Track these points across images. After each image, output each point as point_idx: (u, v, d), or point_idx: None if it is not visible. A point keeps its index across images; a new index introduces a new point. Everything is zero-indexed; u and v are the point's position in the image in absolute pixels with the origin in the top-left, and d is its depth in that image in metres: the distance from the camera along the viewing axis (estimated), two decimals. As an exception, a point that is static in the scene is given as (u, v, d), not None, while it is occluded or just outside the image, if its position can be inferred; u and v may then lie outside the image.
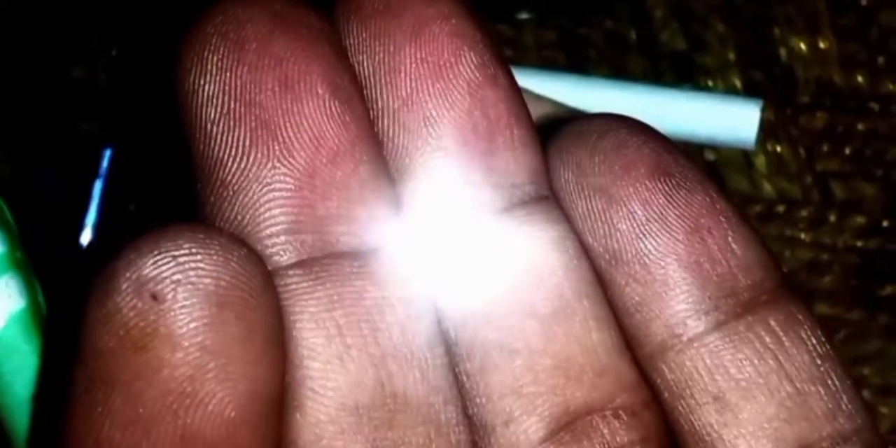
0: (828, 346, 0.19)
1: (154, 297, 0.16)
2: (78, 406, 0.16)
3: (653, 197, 0.19)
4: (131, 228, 0.17)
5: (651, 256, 0.19)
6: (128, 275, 0.16)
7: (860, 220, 0.37)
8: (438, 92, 0.19)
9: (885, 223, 0.37)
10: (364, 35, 0.19)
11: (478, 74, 0.19)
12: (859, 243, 0.37)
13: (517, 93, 0.19)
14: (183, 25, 0.18)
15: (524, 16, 0.37)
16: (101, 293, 0.16)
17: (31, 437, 0.24)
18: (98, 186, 0.35)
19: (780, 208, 0.36)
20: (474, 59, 0.19)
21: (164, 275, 0.16)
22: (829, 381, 0.19)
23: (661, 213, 0.19)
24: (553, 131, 0.20)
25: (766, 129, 0.36)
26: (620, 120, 0.20)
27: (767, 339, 0.19)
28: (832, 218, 0.37)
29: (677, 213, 0.19)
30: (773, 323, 0.19)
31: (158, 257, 0.16)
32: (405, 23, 0.19)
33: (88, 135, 0.36)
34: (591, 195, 0.19)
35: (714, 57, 0.37)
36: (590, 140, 0.19)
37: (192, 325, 0.16)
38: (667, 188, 0.19)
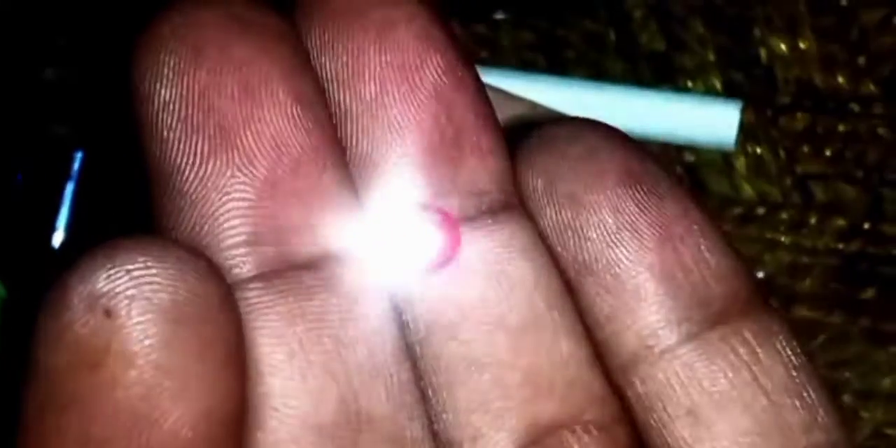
0: (803, 358, 0.19)
1: (107, 312, 0.15)
2: (31, 425, 0.16)
3: (624, 205, 0.18)
4: (96, 236, 0.17)
5: (622, 266, 0.19)
6: (80, 289, 0.16)
7: (841, 222, 0.37)
8: (403, 96, 0.18)
9: (865, 225, 0.37)
10: (326, 37, 0.18)
11: (444, 78, 0.18)
12: (840, 246, 0.36)
13: (485, 97, 0.19)
14: (138, 27, 0.18)
15: (501, 16, 0.37)
16: (53, 308, 0.16)
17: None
18: (69, 189, 0.34)
19: (761, 210, 0.36)
20: (441, 62, 0.18)
21: (117, 290, 0.16)
22: (805, 394, 0.19)
23: (633, 222, 0.18)
24: (521, 136, 0.20)
25: (746, 131, 0.36)
26: (590, 125, 0.19)
27: (741, 351, 0.19)
28: (813, 220, 0.37)
29: (649, 221, 0.18)
30: (747, 334, 0.19)
31: (112, 271, 0.16)
32: (369, 24, 0.18)
33: (60, 137, 0.36)
34: (561, 203, 0.19)
35: (693, 58, 0.37)
36: (559, 146, 0.19)
37: (147, 342, 0.16)
38: (638, 196, 0.18)
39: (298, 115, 0.18)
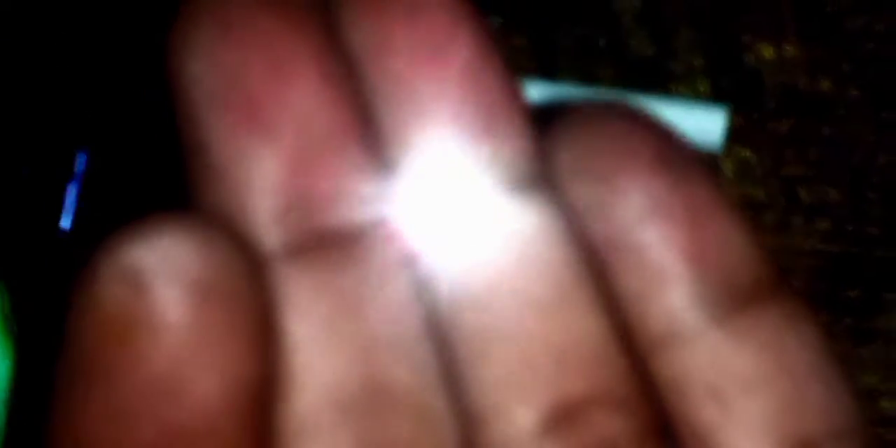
0: (826, 343, 0.19)
1: (136, 286, 0.16)
2: (60, 400, 0.16)
3: (654, 185, 0.18)
4: (101, 235, 0.17)
5: (650, 247, 0.18)
6: (109, 264, 0.16)
7: (825, 224, 0.37)
8: (433, 72, 0.18)
9: (850, 227, 0.37)
10: (355, 13, 0.18)
11: (474, 54, 0.18)
12: (825, 247, 0.37)
13: (513, 75, 0.19)
14: (174, 5, 0.18)
15: (492, 21, 0.37)
16: (83, 284, 0.16)
17: (8, 436, 0.23)
18: (73, 189, 0.35)
19: (746, 213, 0.37)
20: (470, 38, 0.18)
21: (146, 264, 0.16)
22: (828, 378, 0.18)
23: (662, 203, 0.18)
24: (552, 115, 0.19)
25: (733, 135, 0.37)
26: (623, 106, 0.19)
27: (767, 334, 0.18)
28: (798, 222, 0.37)
29: (678, 203, 0.18)
30: (772, 318, 0.18)
31: (141, 246, 0.16)
32: (399, 2, 0.18)
33: (64, 137, 0.36)
34: (591, 182, 0.18)
35: (681, 63, 0.38)
36: (591, 125, 0.19)
37: (175, 315, 0.16)
38: (669, 178, 0.18)
39: (326, 91, 0.17)
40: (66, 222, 0.34)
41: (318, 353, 0.17)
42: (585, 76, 0.37)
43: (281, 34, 0.17)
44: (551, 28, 0.38)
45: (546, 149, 0.19)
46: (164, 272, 0.16)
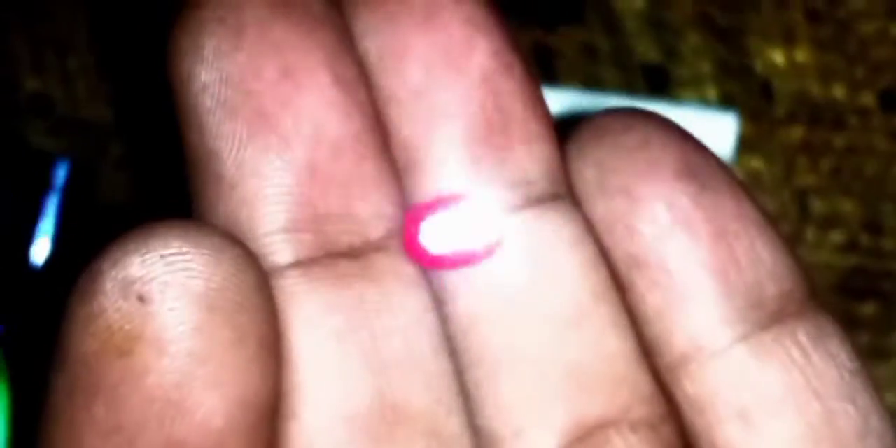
0: (857, 362, 0.18)
1: (140, 298, 0.15)
2: (59, 414, 0.16)
3: (678, 198, 0.18)
4: (84, 250, 0.16)
5: (674, 262, 0.18)
6: (113, 274, 0.15)
7: (839, 236, 0.36)
8: (450, 81, 0.18)
9: (863, 239, 0.36)
10: (370, 19, 0.18)
11: (492, 63, 0.18)
12: (838, 260, 0.36)
13: (534, 83, 0.18)
14: (174, 11, 0.17)
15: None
16: (84, 294, 0.15)
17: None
18: (53, 200, 0.34)
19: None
20: (489, 46, 0.18)
21: (151, 275, 0.15)
22: (859, 399, 0.18)
23: (687, 216, 0.18)
24: (572, 125, 0.19)
25: (743, 143, 0.36)
26: (645, 114, 0.19)
27: (795, 353, 0.18)
28: (810, 234, 0.36)
29: (703, 216, 0.18)
30: (801, 336, 0.18)
31: (146, 256, 0.15)
32: (415, 6, 0.18)
33: (42, 148, 0.36)
34: (613, 194, 0.18)
35: (689, 69, 0.37)
36: (612, 135, 0.18)
37: (181, 328, 0.15)
38: (693, 189, 0.18)
39: (339, 99, 0.17)
40: (47, 235, 0.33)
41: (329, 370, 0.17)
42: (589, 82, 0.37)
43: (293, 40, 0.17)
44: (554, 32, 0.37)
45: (566, 159, 0.19)
46: (169, 283, 0.15)
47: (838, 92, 0.37)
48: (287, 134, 0.17)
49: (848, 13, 0.37)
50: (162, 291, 0.15)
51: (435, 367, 0.18)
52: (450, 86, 0.18)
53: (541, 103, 0.18)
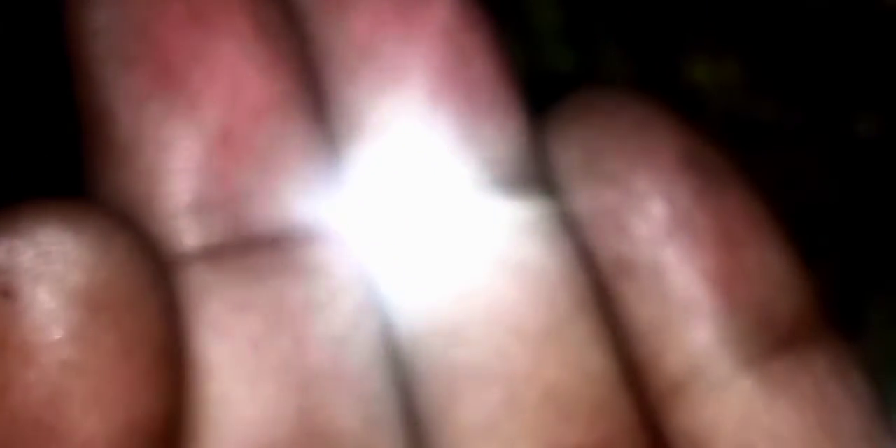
0: (874, 397, 0.17)
1: (5, 293, 0.14)
2: None
3: (678, 193, 0.16)
4: None
5: (671, 269, 0.16)
6: None
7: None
8: (405, 37, 0.16)
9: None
10: None
11: (455, 16, 0.16)
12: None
13: (502, 47, 0.16)
14: None
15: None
16: None
17: None
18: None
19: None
20: None
21: (20, 266, 0.14)
22: (876, 441, 0.16)
23: (688, 215, 0.16)
24: (553, 98, 0.17)
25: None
26: (641, 95, 0.17)
27: (808, 385, 0.16)
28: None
29: (707, 215, 0.16)
30: (815, 365, 0.16)
31: (14, 242, 0.14)
32: None
33: None
34: (601, 185, 0.16)
35: (611, 83, 0.36)
36: (602, 115, 0.16)
37: (54, 332, 0.14)
38: (697, 184, 0.16)
39: (262, 51, 0.15)
40: None
41: (241, 384, 0.15)
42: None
43: None
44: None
45: (542, 141, 0.17)
46: (41, 276, 0.14)
47: (768, 109, 0.36)
48: (196, 92, 0.15)
49: (779, 28, 0.37)
50: (32, 286, 0.14)
51: (372, 385, 0.16)
52: (403, 40, 0.16)
53: (510, 69, 0.16)
